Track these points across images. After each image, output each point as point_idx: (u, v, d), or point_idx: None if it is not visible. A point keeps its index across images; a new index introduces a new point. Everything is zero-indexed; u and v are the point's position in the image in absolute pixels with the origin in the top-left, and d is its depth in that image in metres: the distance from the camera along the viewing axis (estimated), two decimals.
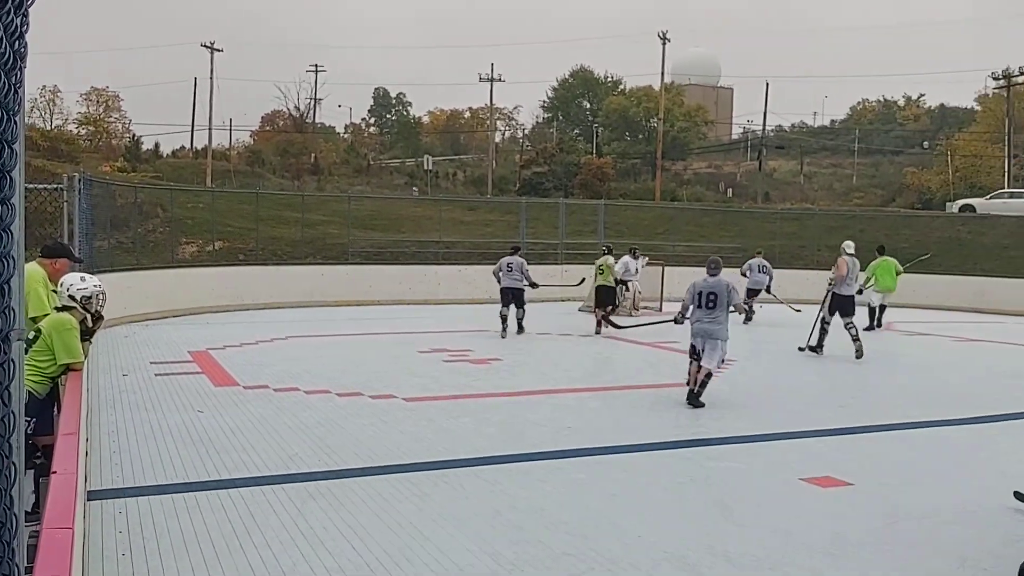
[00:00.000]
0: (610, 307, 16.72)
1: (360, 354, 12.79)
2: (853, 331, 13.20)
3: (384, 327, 16.17)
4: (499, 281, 15.78)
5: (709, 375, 9.22)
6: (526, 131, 78.76)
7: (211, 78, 50.90)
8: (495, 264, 15.93)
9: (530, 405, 9.28)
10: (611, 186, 48.94)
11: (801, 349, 13.72)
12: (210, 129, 51.13)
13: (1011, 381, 11.83)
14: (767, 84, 78.75)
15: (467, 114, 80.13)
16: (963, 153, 52.63)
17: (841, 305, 13.31)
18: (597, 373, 11.66)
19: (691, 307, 9.48)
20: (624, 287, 19.21)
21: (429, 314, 18.86)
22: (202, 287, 18.78)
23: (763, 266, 19.03)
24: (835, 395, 10.50)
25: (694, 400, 9.12)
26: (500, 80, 56.70)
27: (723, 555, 4.92)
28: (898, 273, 17.73)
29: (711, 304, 9.25)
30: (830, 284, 13.51)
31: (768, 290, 18.82)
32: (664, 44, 50.21)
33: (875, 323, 17.68)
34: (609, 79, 74.15)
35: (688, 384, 9.37)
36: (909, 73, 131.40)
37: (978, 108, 62.48)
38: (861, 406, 9.71)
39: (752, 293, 18.61)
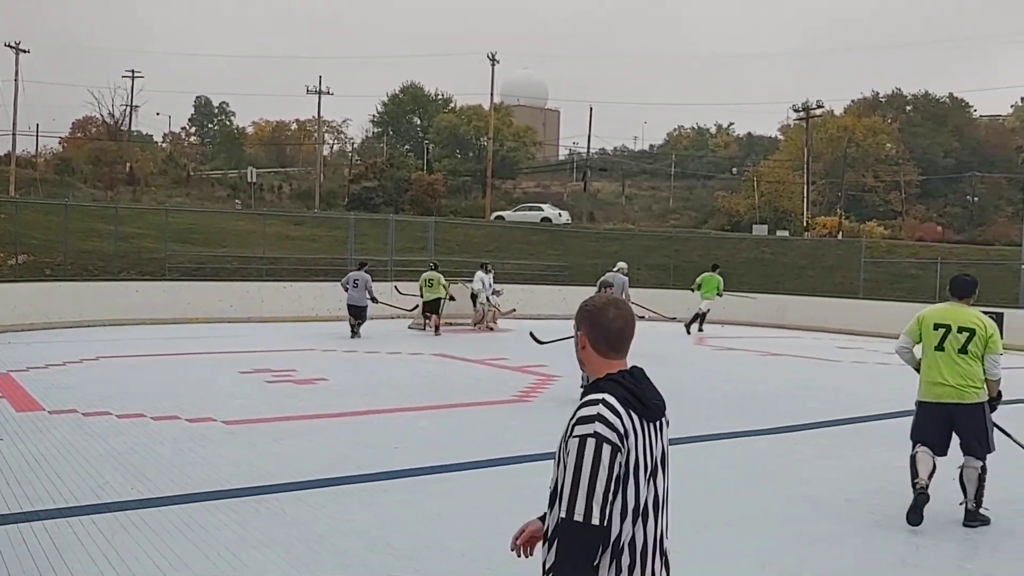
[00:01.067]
0: (435, 315, 19.24)
1: (177, 375, 12.28)
2: None
3: (203, 346, 15.60)
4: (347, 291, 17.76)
5: None
6: (355, 145, 78.15)
7: (16, 80, 47.77)
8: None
9: (357, 426, 9.22)
10: (442, 203, 49.25)
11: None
12: (14, 134, 47.94)
13: (807, 392, 12.80)
14: (591, 108, 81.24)
15: (294, 126, 78.63)
16: (768, 179, 56.56)
17: None
18: (427, 392, 11.69)
19: None
20: (481, 301, 20.61)
21: (251, 332, 18.35)
22: (3, 304, 17.68)
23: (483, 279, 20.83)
24: None
25: None
26: (328, 93, 56.02)
27: None
28: (719, 292, 21.66)
29: None
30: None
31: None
32: (493, 65, 51.21)
33: (694, 324, 21.25)
34: (440, 96, 74.73)
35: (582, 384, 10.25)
36: (720, 104, 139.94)
37: (781, 138, 67.31)
38: (671, 418, 10.21)
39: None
